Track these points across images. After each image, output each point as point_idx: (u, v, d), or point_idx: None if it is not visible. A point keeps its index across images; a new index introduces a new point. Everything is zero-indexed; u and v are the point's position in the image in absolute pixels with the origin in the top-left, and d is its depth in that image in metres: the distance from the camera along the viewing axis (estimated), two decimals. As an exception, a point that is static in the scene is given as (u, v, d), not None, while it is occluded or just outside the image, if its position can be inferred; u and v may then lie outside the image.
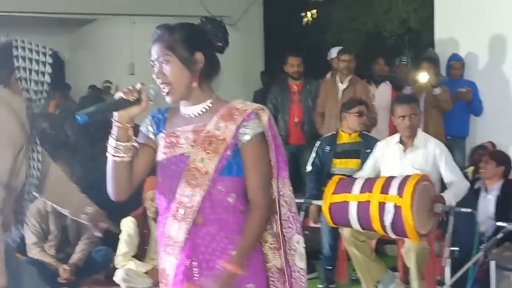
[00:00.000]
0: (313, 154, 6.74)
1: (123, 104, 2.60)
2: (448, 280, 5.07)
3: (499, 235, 4.83)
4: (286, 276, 2.83)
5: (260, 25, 13.80)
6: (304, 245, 2.90)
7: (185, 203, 2.62)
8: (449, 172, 5.77)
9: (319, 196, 6.05)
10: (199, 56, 2.64)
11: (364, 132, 6.72)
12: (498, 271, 5.12)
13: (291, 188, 2.86)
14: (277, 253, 2.83)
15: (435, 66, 8.12)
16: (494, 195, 6.15)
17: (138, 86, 2.63)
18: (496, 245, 5.06)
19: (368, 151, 6.32)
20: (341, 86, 7.91)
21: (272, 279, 2.84)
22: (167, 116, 2.79)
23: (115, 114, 2.61)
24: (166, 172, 2.70)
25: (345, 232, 5.87)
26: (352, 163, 6.53)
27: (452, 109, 8.00)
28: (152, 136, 2.77)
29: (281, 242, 2.80)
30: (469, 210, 5.28)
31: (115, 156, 2.65)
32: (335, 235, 6.32)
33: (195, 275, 2.66)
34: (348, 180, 5.83)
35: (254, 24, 13.67)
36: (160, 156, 2.72)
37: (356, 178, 5.82)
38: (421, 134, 5.99)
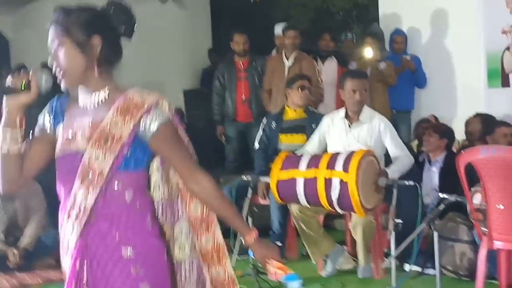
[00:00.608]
0: (260, 132, 6.82)
1: (10, 90, 2.48)
2: (393, 251, 5.21)
3: (441, 207, 4.96)
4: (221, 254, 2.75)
5: (207, 2, 13.73)
6: None
7: (79, 203, 2.49)
8: (394, 147, 5.89)
9: (267, 173, 6.09)
10: (96, 40, 2.50)
11: (309, 108, 6.81)
12: (441, 242, 5.24)
13: None
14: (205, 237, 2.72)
15: (379, 41, 8.19)
16: (438, 167, 6.29)
17: (30, 72, 2.51)
18: (439, 217, 5.20)
19: (313, 126, 6.41)
20: (287, 63, 7.95)
21: (182, 272, 2.74)
22: (66, 106, 2.64)
23: (4, 100, 2.49)
24: (63, 169, 2.56)
25: (293, 208, 5.95)
26: (298, 138, 6.60)
27: (397, 83, 8.08)
28: (48, 128, 2.63)
29: (209, 223, 2.72)
30: (411, 182, 5.40)
31: (1, 146, 2.52)
32: (284, 211, 6.39)
33: (84, 274, 2.52)
34: (295, 157, 5.90)
35: (200, 1, 13.60)
36: (57, 151, 2.57)
37: (303, 155, 5.90)
38: (366, 110, 6.08)
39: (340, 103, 7.30)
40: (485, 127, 6.56)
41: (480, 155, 4.68)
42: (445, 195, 4.98)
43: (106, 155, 2.46)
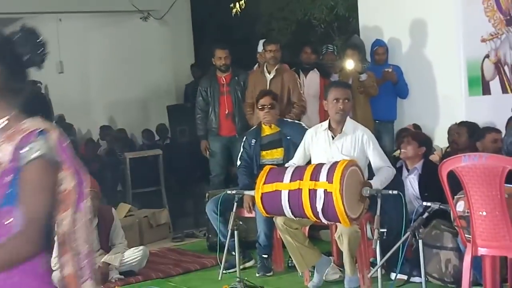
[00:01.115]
0: (241, 149, 6.86)
1: None
2: (379, 261, 5.22)
3: (425, 215, 4.99)
4: None
5: (188, 18, 13.77)
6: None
7: None
8: (377, 158, 5.93)
9: (251, 187, 6.12)
10: None
11: (279, 118, 6.85)
12: (426, 250, 5.27)
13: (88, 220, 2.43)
14: None
15: (359, 53, 8.20)
16: (416, 175, 6.29)
17: None
18: (424, 224, 5.22)
19: (288, 137, 6.52)
20: (269, 76, 7.95)
21: None
22: None
23: None
24: None
25: (278, 220, 5.93)
26: (277, 152, 6.68)
27: (379, 94, 8.10)
28: None
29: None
30: (395, 192, 5.42)
31: None
32: (270, 224, 6.39)
33: None
34: (278, 170, 5.92)
35: (182, 17, 13.64)
36: None
37: (287, 167, 5.92)
38: (349, 121, 6.11)
39: (323, 116, 7.34)
40: (473, 134, 6.60)
41: (462, 163, 4.72)
42: (429, 204, 5.00)
43: None
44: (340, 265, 6.02)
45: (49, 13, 13.72)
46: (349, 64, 8.04)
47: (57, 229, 2.35)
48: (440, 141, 7.36)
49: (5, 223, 2.24)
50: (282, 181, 5.68)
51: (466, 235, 4.83)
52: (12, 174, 2.24)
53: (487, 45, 7.75)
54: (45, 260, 2.32)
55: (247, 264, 6.73)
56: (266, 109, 6.69)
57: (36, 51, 2.42)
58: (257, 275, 6.47)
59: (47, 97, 12.79)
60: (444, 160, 5.17)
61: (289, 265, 6.49)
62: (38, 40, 2.43)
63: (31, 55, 2.41)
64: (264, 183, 5.74)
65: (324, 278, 5.98)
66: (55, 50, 14.64)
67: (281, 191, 5.65)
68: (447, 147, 7.23)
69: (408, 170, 6.39)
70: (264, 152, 6.71)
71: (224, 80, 8.37)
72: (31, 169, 2.23)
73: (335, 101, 5.99)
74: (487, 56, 7.75)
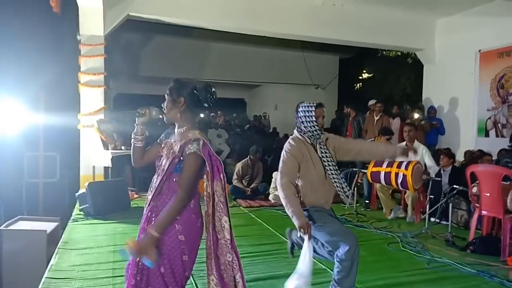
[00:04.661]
0: None
1: (138, 116, 2.16)
2: (427, 211, 4.92)
3: (454, 191, 4.64)
4: (214, 242, 2.10)
5: (336, 89, 13.65)
6: (229, 223, 2.11)
7: (153, 183, 2.11)
8: (429, 160, 5.58)
9: (364, 168, 5.98)
10: (181, 99, 2.09)
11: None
12: (452, 209, 4.91)
13: (223, 187, 2.12)
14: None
15: (421, 111, 7.74)
16: (448, 173, 5.83)
17: (148, 109, 2.18)
18: (452, 196, 4.85)
19: None
20: (376, 118, 7.63)
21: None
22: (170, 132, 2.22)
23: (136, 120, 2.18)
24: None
25: (377, 185, 5.75)
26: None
27: (430, 132, 7.61)
28: (160, 142, 2.21)
29: (211, 221, 2.10)
30: (439, 179, 5.10)
31: (134, 142, 2.18)
32: (370, 186, 6.20)
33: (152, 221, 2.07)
34: (380, 162, 5.68)
35: (333, 88, 13.55)
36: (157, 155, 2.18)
37: (384, 161, 5.70)
38: (416, 142, 5.79)
39: (401, 139, 7.01)
40: (477, 157, 6.02)
41: (479, 168, 4.35)
42: (456, 186, 4.64)
43: (168, 160, 2.07)
44: (405, 210, 5.73)
45: (271, 83, 14.07)
46: (416, 115, 7.59)
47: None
48: (459, 157, 6.75)
49: (174, 180, 2.05)
50: (381, 167, 5.48)
51: (476, 204, 4.44)
52: (178, 158, 2.05)
53: (489, 112, 7.04)
54: (193, 202, 2.08)
55: (357, 205, 6.55)
56: (385, 138, 6.30)
57: (207, 98, 2.13)
58: (362, 209, 6.27)
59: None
60: (468, 166, 4.77)
61: (379, 207, 6.23)
62: (210, 94, 2.14)
63: (204, 99, 2.13)
64: (373, 167, 5.57)
65: (396, 215, 5.72)
66: (272, 99, 14.91)
67: (380, 171, 5.45)
68: (463, 161, 6.62)
69: (443, 170, 5.94)
70: None
71: (351, 116, 8.14)
72: (188, 157, 2.02)
73: (406, 132, 5.69)
74: (489, 118, 7.03)
